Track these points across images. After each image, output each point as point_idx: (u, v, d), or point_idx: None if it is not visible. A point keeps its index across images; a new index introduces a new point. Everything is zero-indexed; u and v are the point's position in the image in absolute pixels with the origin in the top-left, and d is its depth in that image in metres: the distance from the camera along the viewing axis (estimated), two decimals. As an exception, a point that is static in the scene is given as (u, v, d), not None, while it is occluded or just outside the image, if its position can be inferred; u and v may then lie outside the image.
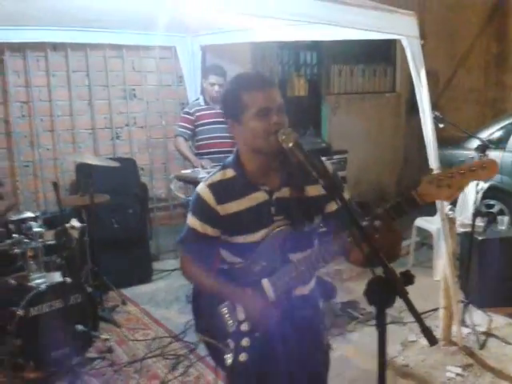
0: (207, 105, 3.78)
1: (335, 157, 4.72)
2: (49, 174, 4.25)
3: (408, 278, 1.22)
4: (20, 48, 4.00)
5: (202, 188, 1.53)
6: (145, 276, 4.25)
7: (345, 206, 1.30)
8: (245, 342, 1.50)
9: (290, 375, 1.63)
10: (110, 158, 4.06)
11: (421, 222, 4.34)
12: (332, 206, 1.51)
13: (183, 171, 3.75)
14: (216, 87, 3.72)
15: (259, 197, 1.49)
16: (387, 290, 1.19)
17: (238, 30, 3.82)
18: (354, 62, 6.09)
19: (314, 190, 1.51)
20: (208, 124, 3.72)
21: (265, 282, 1.50)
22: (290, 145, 1.37)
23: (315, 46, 5.78)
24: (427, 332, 1.12)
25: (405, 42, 2.71)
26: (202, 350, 2.81)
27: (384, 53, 6.24)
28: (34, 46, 4.00)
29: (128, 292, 3.93)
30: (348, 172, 4.97)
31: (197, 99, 3.92)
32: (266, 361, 1.54)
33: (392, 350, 3.00)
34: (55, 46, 4.13)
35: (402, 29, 2.68)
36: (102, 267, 3.68)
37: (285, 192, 1.50)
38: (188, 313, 3.43)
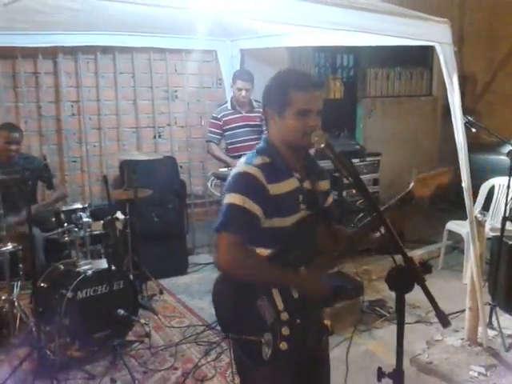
0: (234, 109, 3.94)
1: (368, 159, 4.79)
2: (95, 169, 4.54)
3: (426, 268, 1.36)
4: (72, 51, 4.28)
5: (250, 168, 1.54)
6: (181, 268, 4.47)
7: (368, 198, 1.44)
8: (284, 330, 1.54)
9: (316, 358, 1.77)
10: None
11: (452, 225, 4.36)
12: (330, 199, 1.73)
13: (221, 169, 3.94)
14: (243, 92, 3.87)
15: (293, 183, 1.60)
16: (407, 277, 1.31)
17: (276, 35, 3.98)
18: (390, 65, 6.13)
19: (324, 185, 1.70)
20: (235, 128, 3.89)
21: (303, 271, 1.60)
22: (322, 146, 1.50)
23: (352, 49, 5.85)
24: (440, 313, 1.24)
25: (438, 49, 2.78)
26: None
27: (421, 56, 6.25)
28: (85, 49, 4.28)
29: (165, 282, 4.15)
30: (381, 174, 5.03)
31: (224, 103, 4.10)
32: (303, 346, 1.61)
33: (417, 347, 3.09)
34: (104, 50, 4.41)
35: (436, 36, 2.75)
36: (142, 258, 3.91)
37: (307, 184, 1.64)
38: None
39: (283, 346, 1.53)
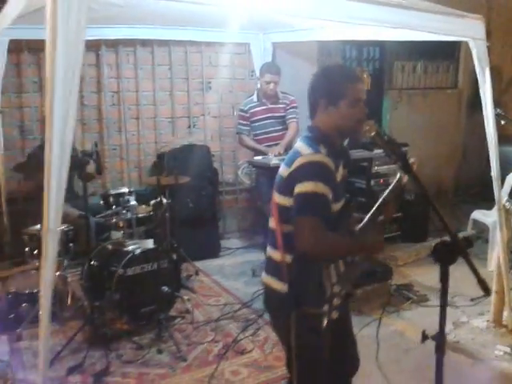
0: (259, 101, 4.11)
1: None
2: (133, 157, 4.77)
3: (469, 242, 1.53)
4: (114, 44, 4.50)
5: (323, 157, 1.65)
6: (214, 251, 4.69)
7: (416, 181, 1.61)
8: (336, 301, 1.70)
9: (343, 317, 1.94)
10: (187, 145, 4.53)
11: (478, 214, 4.49)
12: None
13: (255, 157, 4.12)
14: (271, 85, 4.04)
15: (342, 170, 1.80)
16: (451, 250, 1.48)
17: (307, 29, 4.12)
18: (416, 58, 6.22)
19: (345, 171, 1.87)
20: (261, 120, 4.07)
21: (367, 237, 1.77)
22: (373, 134, 1.67)
23: (379, 42, 5.92)
24: (482, 282, 1.41)
25: (471, 44, 2.89)
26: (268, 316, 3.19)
27: (447, 50, 6.31)
28: (126, 42, 4.50)
29: (199, 264, 4.37)
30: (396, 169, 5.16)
31: (250, 96, 4.27)
32: (347, 314, 1.84)
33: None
34: (143, 43, 4.62)
35: (470, 32, 2.87)
36: (178, 241, 4.13)
37: (345, 170, 1.83)
38: (254, 284, 3.89)
39: (335, 315, 1.72)
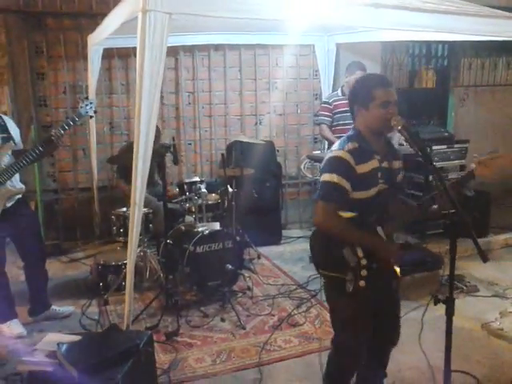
0: (344, 95, 4.39)
1: (456, 146, 4.97)
2: (205, 151, 5.27)
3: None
4: (190, 49, 5.02)
5: (342, 153, 1.99)
6: (275, 239, 5.07)
7: (435, 172, 1.87)
8: (364, 272, 1.99)
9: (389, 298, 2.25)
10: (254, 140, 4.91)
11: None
12: (401, 176, 2.16)
13: (315, 152, 4.43)
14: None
15: (375, 163, 2.06)
16: (459, 228, 1.74)
17: (371, 30, 4.33)
18: (485, 54, 6.17)
19: (397, 164, 2.14)
20: (343, 112, 4.33)
21: (379, 229, 2.07)
22: (399, 127, 1.96)
23: (446, 39, 5.99)
24: (481, 252, 1.65)
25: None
26: (322, 296, 3.48)
27: (519, 45, 6.19)
28: (201, 47, 5.00)
29: (261, 250, 4.75)
30: (469, 161, 5.20)
31: (335, 91, 4.56)
32: (376, 286, 2.07)
33: (490, 316, 3.37)
34: (216, 47, 5.09)
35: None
36: (243, 227, 4.54)
37: (385, 163, 2.09)
38: (310, 269, 4.20)
39: (362, 283, 2.01)
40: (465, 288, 3.76)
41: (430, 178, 4.77)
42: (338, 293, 2.08)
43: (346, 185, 1.97)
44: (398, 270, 2.14)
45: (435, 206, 2.04)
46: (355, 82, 2.15)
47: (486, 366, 2.83)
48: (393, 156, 2.15)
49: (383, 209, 2.09)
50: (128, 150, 4.12)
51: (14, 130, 3.14)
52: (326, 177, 2.00)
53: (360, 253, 2.02)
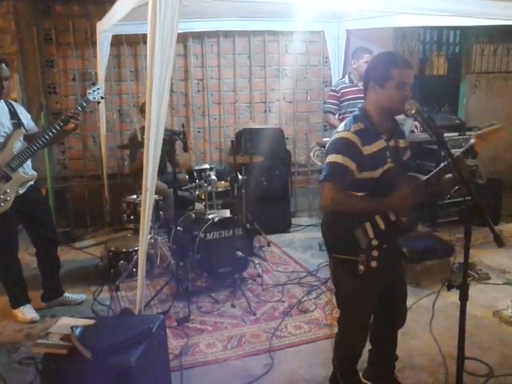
0: (351, 82, 4.34)
1: (467, 133, 4.92)
2: (214, 138, 5.26)
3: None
4: (199, 36, 4.99)
5: (348, 134, 1.97)
6: (284, 227, 5.07)
7: (448, 152, 1.85)
8: (375, 252, 2.00)
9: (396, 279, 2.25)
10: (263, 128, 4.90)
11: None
12: (408, 155, 2.14)
13: (324, 139, 4.40)
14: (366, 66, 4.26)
15: (381, 143, 2.04)
16: (473, 213, 1.72)
17: (381, 16, 4.28)
18: (498, 40, 6.07)
19: (403, 143, 2.13)
20: (351, 99, 4.28)
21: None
22: (413, 112, 1.93)
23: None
24: (497, 237, 1.64)
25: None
26: (331, 284, 3.49)
27: (533, 31, 6.08)
28: (210, 33, 4.97)
29: (271, 237, 4.75)
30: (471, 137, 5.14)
31: (342, 78, 4.51)
32: (388, 266, 2.09)
33: (502, 304, 3.35)
34: (226, 34, 5.06)
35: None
36: (252, 215, 4.54)
37: (392, 142, 2.08)
38: (320, 257, 4.21)
39: (374, 264, 2.02)
40: (476, 276, 3.75)
41: (442, 165, 4.73)
42: (351, 275, 2.07)
43: (352, 165, 1.96)
44: (405, 250, 2.13)
45: (449, 176, 2.01)
46: (374, 58, 2.10)
47: (498, 353, 2.82)
48: (399, 135, 2.14)
49: (391, 187, 2.06)
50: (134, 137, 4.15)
51: (24, 116, 3.15)
52: (330, 158, 1.98)
53: (371, 234, 2.02)
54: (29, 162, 3.11)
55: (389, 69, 1.96)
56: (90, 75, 4.78)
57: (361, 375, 2.46)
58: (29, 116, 3.23)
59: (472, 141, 1.95)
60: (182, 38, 4.88)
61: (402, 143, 2.14)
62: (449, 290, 1.84)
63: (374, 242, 2.02)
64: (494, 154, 5.86)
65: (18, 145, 3.03)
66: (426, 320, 3.18)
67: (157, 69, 2.35)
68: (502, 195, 5.07)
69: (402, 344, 2.75)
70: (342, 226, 2.05)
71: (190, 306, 3.35)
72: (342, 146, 1.98)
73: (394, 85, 1.96)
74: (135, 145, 3.93)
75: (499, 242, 1.64)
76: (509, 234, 4.68)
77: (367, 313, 2.19)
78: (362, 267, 2.01)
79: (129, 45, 4.87)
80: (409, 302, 3.31)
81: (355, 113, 2.08)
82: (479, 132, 1.96)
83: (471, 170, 4.51)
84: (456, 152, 1.96)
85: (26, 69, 4.64)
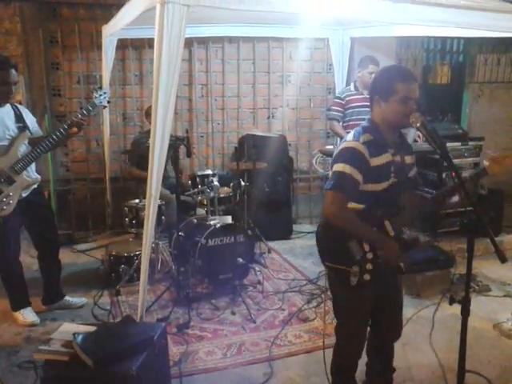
0: (356, 90, 4.35)
1: (470, 143, 4.93)
2: (217, 144, 5.27)
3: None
4: (204, 41, 5.00)
5: (357, 144, 1.97)
6: (286, 234, 5.08)
7: (452, 166, 1.85)
8: (369, 266, 2.01)
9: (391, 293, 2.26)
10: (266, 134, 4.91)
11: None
12: (413, 172, 2.15)
13: (327, 147, 4.41)
14: (373, 75, 4.27)
15: (388, 156, 2.04)
16: (475, 226, 1.73)
17: (386, 25, 4.28)
18: (502, 50, 6.07)
19: (409, 159, 2.12)
20: (356, 107, 4.30)
21: (387, 223, 2.06)
22: (418, 125, 1.94)
23: (462, 34, 5.90)
24: (499, 252, 1.64)
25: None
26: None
27: (537, 42, 6.09)
28: (215, 39, 4.98)
29: (272, 244, 4.77)
30: (483, 158, 5.15)
31: (347, 86, 4.52)
32: (382, 279, 2.08)
33: (502, 317, 3.35)
34: (230, 39, 5.07)
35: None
36: (254, 221, 4.54)
37: (398, 157, 2.07)
38: (321, 264, 4.15)
39: (366, 277, 2.02)
40: (477, 287, 3.75)
41: (444, 175, 4.74)
42: (342, 285, 2.08)
43: (358, 176, 1.96)
44: (402, 265, 2.13)
45: (455, 199, 2.02)
46: (379, 71, 2.11)
47: (498, 366, 2.81)
48: (405, 150, 2.13)
49: (392, 203, 2.08)
50: (139, 141, 4.17)
51: (29, 119, 3.16)
52: (338, 167, 1.98)
53: (366, 247, 2.03)
54: (33, 166, 3.12)
55: (393, 84, 1.97)
56: (94, 78, 4.80)
57: (360, 387, 2.46)
58: (34, 120, 3.24)
59: (485, 162, 1.95)
60: (187, 43, 4.89)
61: (408, 159, 2.13)
62: (450, 304, 1.84)
63: (369, 256, 2.03)
64: (491, 167, 5.86)
65: (22, 148, 3.04)
66: (426, 331, 3.18)
67: (163, 75, 2.36)
68: (504, 205, 5.07)
69: (402, 356, 2.76)
70: (337, 235, 2.04)
71: (190, 312, 3.34)
72: (349, 156, 1.98)
73: (398, 99, 1.97)
74: (138, 150, 3.94)
75: (502, 258, 1.64)
76: (509, 245, 4.68)
77: (362, 323, 2.20)
78: (354, 279, 2.02)
79: (134, 48, 4.88)
80: (409, 313, 3.36)
81: (364, 124, 2.08)
82: (494, 154, 1.95)
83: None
84: (466, 175, 1.98)
85: (31, 71, 4.66)
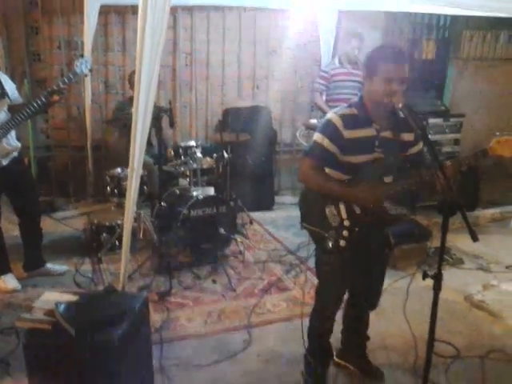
0: (340, 64, 4.36)
1: (451, 119, 5.00)
2: (201, 115, 5.22)
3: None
4: (189, 8, 4.89)
5: (334, 116, 2.07)
6: (268, 205, 5.14)
7: (431, 148, 1.90)
8: (345, 232, 2.08)
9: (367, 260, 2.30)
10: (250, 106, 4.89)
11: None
12: (414, 149, 2.17)
13: (311, 120, 4.43)
14: (356, 50, 4.30)
15: (370, 131, 2.09)
16: (451, 207, 1.78)
17: (376, -1, 4.24)
18: (487, 27, 6.08)
19: (407, 136, 2.15)
20: (340, 81, 4.32)
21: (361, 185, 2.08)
22: (400, 105, 1.97)
23: (450, 9, 5.88)
24: (472, 232, 1.70)
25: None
26: (311, 263, 3.57)
27: (523, 19, 6.10)
28: (200, 7, 4.87)
29: (254, 215, 4.80)
30: (464, 135, 5.22)
31: (332, 59, 4.53)
32: (356, 248, 2.14)
33: (473, 289, 3.48)
34: (216, 8, 4.96)
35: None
36: (236, 193, 4.57)
37: (387, 133, 2.11)
38: (301, 236, 4.27)
39: (342, 243, 2.09)
40: (450, 260, 3.87)
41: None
42: (320, 247, 2.18)
43: (330, 146, 2.05)
44: (392, 241, 2.17)
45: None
46: (369, 51, 2.12)
47: (467, 336, 2.94)
48: (401, 128, 2.13)
49: (378, 177, 2.12)
50: (123, 107, 4.10)
51: (9, 86, 3.09)
52: (315, 136, 2.10)
53: (344, 214, 2.10)
54: (13, 133, 3.07)
55: (376, 64, 2.01)
56: (76, 44, 4.68)
57: (335, 355, 2.57)
58: (14, 86, 3.17)
59: (489, 144, 1.92)
60: (172, 10, 4.71)
61: (406, 136, 2.15)
62: (424, 279, 1.91)
63: (346, 223, 2.10)
64: (476, 140, 5.95)
65: (2, 115, 2.98)
66: (400, 302, 3.27)
67: (147, 44, 2.33)
68: (480, 181, 5.18)
69: (376, 325, 2.86)
70: (315, 200, 2.13)
71: (172, 280, 3.39)
72: (325, 127, 2.09)
73: (380, 79, 2.00)
74: (120, 119, 3.89)
75: (474, 237, 1.71)
76: (485, 220, 4.82)
77: (341, 286, 2.28)
78: (330, 244, 2.09)
79: (117, 13, 4.76)
80: (384, 284, 3.43)
81: (354, 99, 2.15)
82: (503, 138, 1.91)
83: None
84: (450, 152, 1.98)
85: (10, 35, 4.52)
